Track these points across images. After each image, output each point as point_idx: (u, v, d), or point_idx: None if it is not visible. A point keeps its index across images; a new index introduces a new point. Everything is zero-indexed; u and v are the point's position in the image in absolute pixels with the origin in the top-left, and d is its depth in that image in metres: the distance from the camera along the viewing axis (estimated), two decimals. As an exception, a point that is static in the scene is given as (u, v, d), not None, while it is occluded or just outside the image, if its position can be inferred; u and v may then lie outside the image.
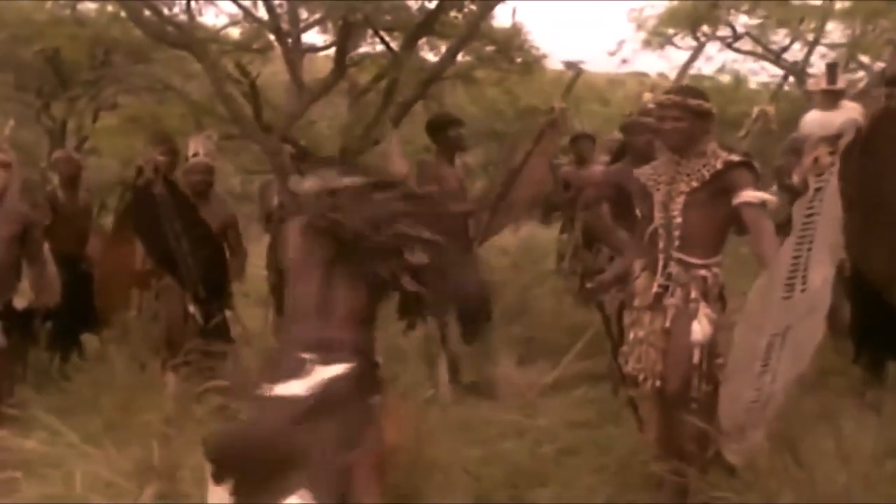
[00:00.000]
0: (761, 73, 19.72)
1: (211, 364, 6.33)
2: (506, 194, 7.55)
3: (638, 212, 5.04)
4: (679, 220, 4.59)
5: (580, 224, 8.70)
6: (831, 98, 6.52)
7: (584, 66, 10.12)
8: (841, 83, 6.58)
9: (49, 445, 4.83)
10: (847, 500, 3.76)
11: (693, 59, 19.07)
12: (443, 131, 7.44)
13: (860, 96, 6.83)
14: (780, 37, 18.68)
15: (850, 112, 6.24)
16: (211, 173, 7.00)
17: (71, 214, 8.01)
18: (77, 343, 7.83)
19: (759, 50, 19.19)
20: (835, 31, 18.12)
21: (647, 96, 7.08)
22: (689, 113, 4.59)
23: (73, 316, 7.61)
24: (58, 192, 8.01)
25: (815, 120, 6.54)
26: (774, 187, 6.56)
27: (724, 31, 19.20)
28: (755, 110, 7.30)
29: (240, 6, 10.25)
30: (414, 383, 5.31)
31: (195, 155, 6.88)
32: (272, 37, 10.06)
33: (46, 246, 6.80)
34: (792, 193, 5.48)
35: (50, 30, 10.18)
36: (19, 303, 6.13)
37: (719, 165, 4.52)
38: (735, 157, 4.59)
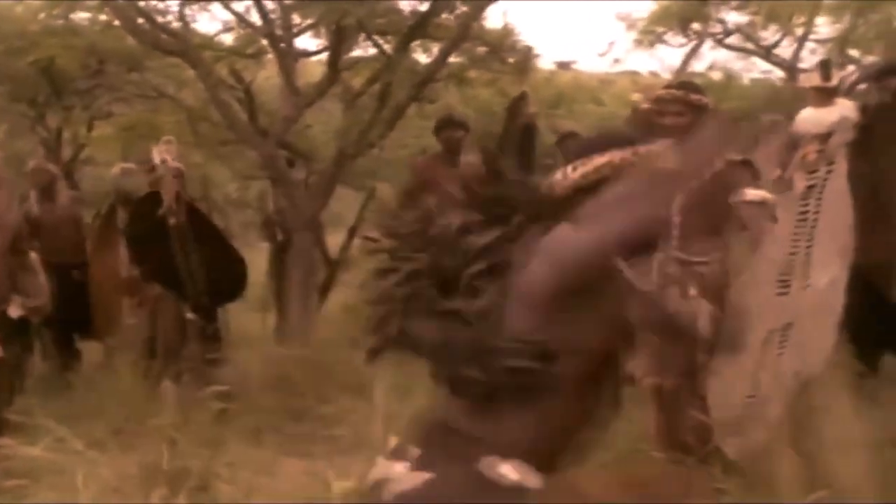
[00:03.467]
0: (752, 70, 19.76)
1: (209, 370, 6.41)
2: None
3: None
4: (677, 218, 4.62)
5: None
6: (824, 95, 6.56)
7: (576, 66, 10.20)
8: (834, 80, 6.62)
9: (55, 452, 4.86)
10: (848, 488, 3.81)
11: (691, 55, 19.11)
12: (439, 132, 7.55)
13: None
14: (770, 33, 18.72)
15: (842, 109, 6.28)
16: (181, 177, 7.06)
17: (50, 224, 8.01)
18: (74, 351, 7.86)
19: (750, 46, 19.23)
20: (824, 26, 18.17)
21: (637, 96, 7.14)
22: (690, 108, 4.62)
23: (68, 324, 7.66)
24: (33, 204, 8.01)
25: (807, 117, 6.58)
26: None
27: (714, 29, 19.23)
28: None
29: (233, 12, 10.26)
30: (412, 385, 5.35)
31: (163, 161, 6.90)
32: (265, 42, 10.09)
33: (35, 256, 6.84)
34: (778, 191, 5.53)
35: (44, 40, 10.21)
36: (14, 312, 6.15)
37: (721, 164, 4.55)
38: (736, 156, 4.62)
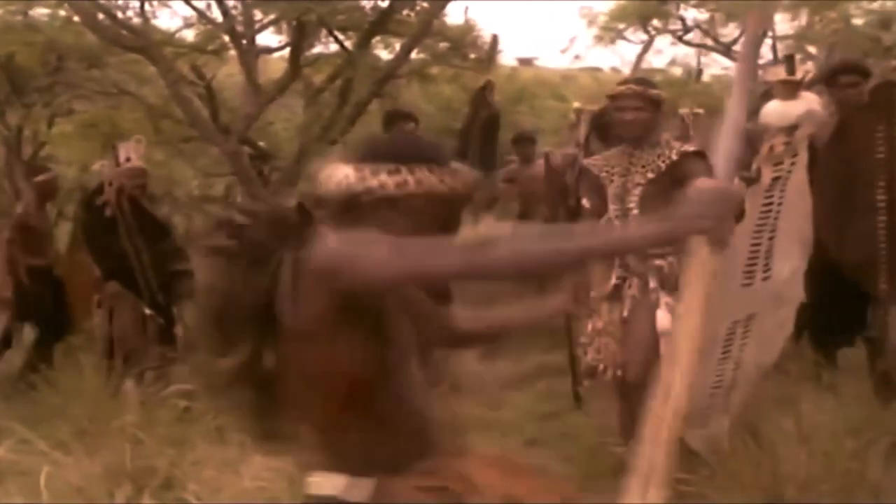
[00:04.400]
0: (712, 66, 19.93)
1: (172, 368, 6.40)
2: None
3: (586, 202, 5.12)
4: (636, 211, 4.67)
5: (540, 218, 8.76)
6: (789, 88, 6.63)
7: (538, 63, 10.22)
8: (799, 74, 6.68)
9: (18, 454, 4.83)
10: (808, 477, 3.86)
11: (644, 52, 19.27)
12: (390, 126, 7.52)
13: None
14: (729, 29, 18.90)
15: (808, 103, 6.34)
16: (145, 177, 7.04)
17: (42, 229, 8.01)
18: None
19: (710, 43, 19.39)
20: (782, 23, 18.36)
21: (577, 104, 7.19)
22: (648, 103, 4.69)
23: (54, 324, 7.65)
24: (29, 210, 7.98)
25: (773, 110, 6.64)
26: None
27: (674, 25, 19.39)
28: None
29: (194, 8, 10.23)
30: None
31: (128, 160, 6.88)
32: (227, 38, 10.05)
33: None
34: (747, 184, 5.57)
35: (2, 36, 10.11)
36: None
37: (674, 156, 4.61)
38: (690, 147, 4.69)
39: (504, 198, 9.48)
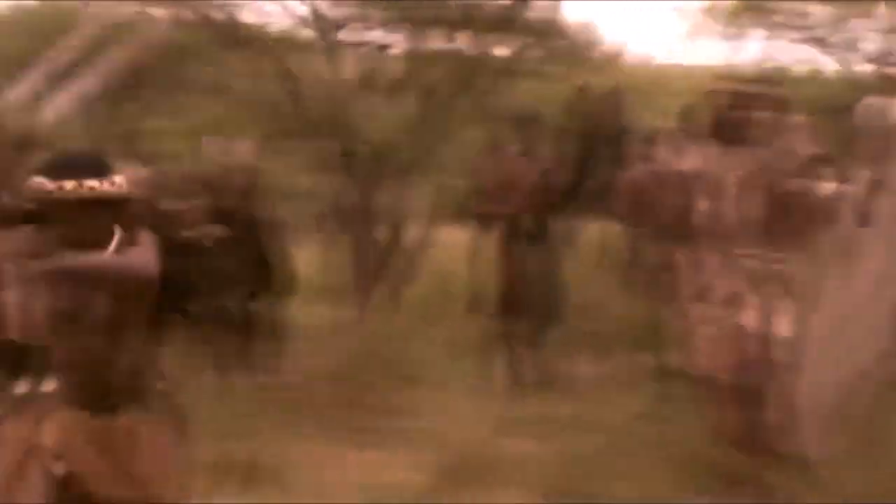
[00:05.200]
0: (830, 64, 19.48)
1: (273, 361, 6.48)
2: None
3: (701, 205, 5.01)
4: (756, 215, 4.57)
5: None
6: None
7: (652, 59, 10.13)
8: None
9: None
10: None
11: (764, 50, 18.88)
12: (512, 128, 7.48)
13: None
14: (856, 25, 18.46)
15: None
16: (256, 175, 7.13)
17: None
18: None
19: (834, 39, 18.96)
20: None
21: (699, 102, 7.04)
22: (770, 103, 4.58)
23: None
24: None
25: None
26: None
27: (797, 21, 19.01)
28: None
29: (308, 6, 10.33)
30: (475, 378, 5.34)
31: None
32: (340, 35, 10.14)
33: None
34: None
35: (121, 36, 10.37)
36: None
37: (795, 159, 4.50)
38: (813, 150, 4.56)
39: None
